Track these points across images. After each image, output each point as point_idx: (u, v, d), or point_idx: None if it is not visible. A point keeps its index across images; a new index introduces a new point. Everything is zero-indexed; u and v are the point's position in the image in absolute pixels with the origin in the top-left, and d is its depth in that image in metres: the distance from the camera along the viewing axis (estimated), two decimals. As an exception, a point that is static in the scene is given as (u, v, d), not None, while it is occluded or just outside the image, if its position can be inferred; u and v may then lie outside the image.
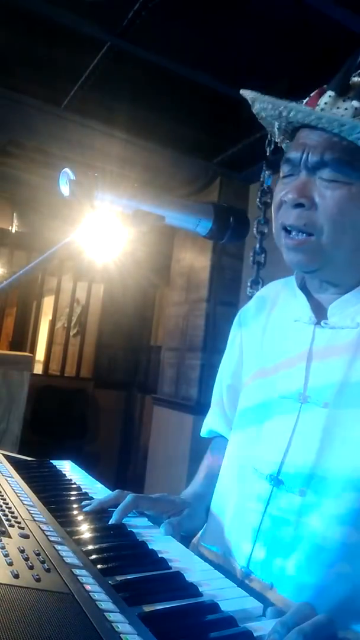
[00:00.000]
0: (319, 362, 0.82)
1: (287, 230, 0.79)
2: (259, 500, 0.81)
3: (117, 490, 0.90)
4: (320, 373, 0.81)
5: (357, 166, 0.73)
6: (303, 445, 0.79)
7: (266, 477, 0.81)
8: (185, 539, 0.93)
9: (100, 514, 0.86)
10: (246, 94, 0.81)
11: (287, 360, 0.86)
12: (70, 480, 1.06)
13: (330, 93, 0.74)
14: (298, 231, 0.77)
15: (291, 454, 0.80)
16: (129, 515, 0.85)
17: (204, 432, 1.11)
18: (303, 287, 0.90)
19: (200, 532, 0.99)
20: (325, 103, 0.74)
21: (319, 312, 0.85)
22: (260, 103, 0.80)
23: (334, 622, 0.53)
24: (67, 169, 0.81)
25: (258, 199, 2.71)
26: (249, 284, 2.74)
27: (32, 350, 6.44)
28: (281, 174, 0.81)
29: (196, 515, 0.96)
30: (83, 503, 0.89)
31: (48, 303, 6.18)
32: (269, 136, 0.89)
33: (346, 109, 0.72)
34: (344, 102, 0.73)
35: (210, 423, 1.09)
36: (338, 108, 0.73)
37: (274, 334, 0.94)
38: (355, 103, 0.72)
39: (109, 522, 0.83)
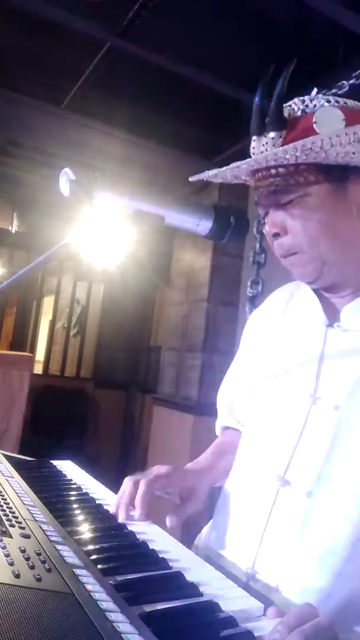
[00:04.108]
0: (331, 364, 0.82)
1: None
2: (265, 500, 0.81)
3: (127, 480, 0.89)
4: (332, 375, 0.81)
5: (299, 178, 0.80)
6: (311, 446, 0.79)
7: (273, 476, 0.81)
8: (188, 539, 0.93)
9: (101, 514, 0.87)
10: (199, 178, 0.89)
11: (298, 362, 0.87)
12: (71, 480, 1.06)
13: (253, 138, 0.83)
14: (285, 256, 0.85)
15: (299, 454, 0.80)
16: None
17: (217, 432, 1.14)
18: (317, 289, 0.90)
19: (203, 532, 0.99)
20: (253, 147, 0.83)
21: (332, 314, 0.86)
22: (214, 178, 0.90)
23: (336, 623, 0.53)
24: (67, 169, 0.81)
25: (258, 199, 2.71)
26: (249, 284, 2.73)
27: (32, 350, 6.43)
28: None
29: (200, 496, 0.94)
30: (99, 505, 0.90)
31: (48, 303, 6.18)
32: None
33: (267, 142, 0.80)
34: (264, 138, 0.81)
35: (219, 422, 1.12)
36: (263, 145, 0.81)
37: (286, 335, 0.94)
38: (271, 134, 0.80)
39: (135, 517, 0.84)
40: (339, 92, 2.02)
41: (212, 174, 0.87)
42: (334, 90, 2.03)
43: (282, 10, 2.01)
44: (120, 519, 0.85)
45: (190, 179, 0.90)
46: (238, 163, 0.82)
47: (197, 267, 3.63)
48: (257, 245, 2.73)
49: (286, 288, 1.02)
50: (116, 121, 2.90)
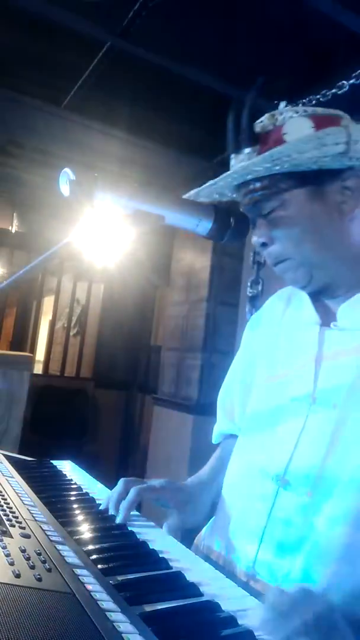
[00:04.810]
0: (329, 364, 0.83)
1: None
2: (265, 501, 0.81)
3: (121, 481, 0.91)
4: (330, 375, 0.82)
5: (276, 187, 0.83)
6: (311, 446, 0.79)
7: (272, 477, 0.81)
8: (188, 539, 0.93)
9: (102, 513, 0.87)
10: (190, 197, 0.94)
11: (297, 364, 0.88)
12: (71, 480, 1.06)
13: (232, 156, 0.87)
14: (276, 264, 0.88)
15: (298, 455, 0.80)
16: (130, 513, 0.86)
17: (214, 439, 1.13)
18: (313, 291, 0.91)
19: (202, 532, 0.99)
20: (232, 165, 0.87)
21: (329, 315, 0.87)
22: (203, 197, 0.94)
23: (336, 608, 0.54)
24: (67, 169, 0.81)
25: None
26: (249, 284, 2.73)
27: (32, 350, 6.44)
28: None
29: (199, 508, 0.96)
30: (99, 505, 0.90)
31: (48, 303, 6.17)
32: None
33: (242, 158, 0.85)
34: (241, 154, 0.85)
35: (220, 428, 1.10)
36: (240, 162, 0.85)
37: (285, 338, 0.95)
38: (246, 150, 0.85)
39: (116, 521, 0.83)
40: (339, 92, 2.02)
41: (202, 194, 0.92)
42: (334, 90, 2.03)
43: (282, 10, 2.01)
44: (111, 512, 0.88)
45: (184, 197, 0.94)
46: (214, 180, 0.87)
47: (197, 267, 3.63)
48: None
49: (284, 291, 1.03)
50: (116, 121, 2.90)
